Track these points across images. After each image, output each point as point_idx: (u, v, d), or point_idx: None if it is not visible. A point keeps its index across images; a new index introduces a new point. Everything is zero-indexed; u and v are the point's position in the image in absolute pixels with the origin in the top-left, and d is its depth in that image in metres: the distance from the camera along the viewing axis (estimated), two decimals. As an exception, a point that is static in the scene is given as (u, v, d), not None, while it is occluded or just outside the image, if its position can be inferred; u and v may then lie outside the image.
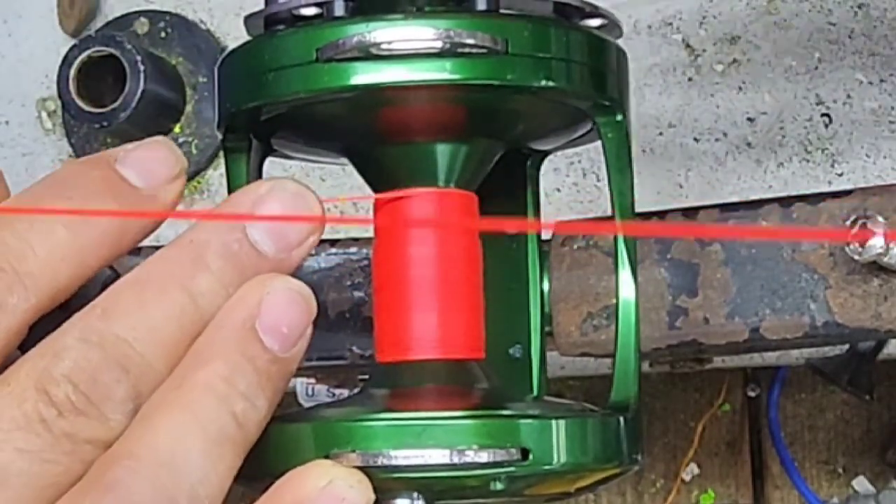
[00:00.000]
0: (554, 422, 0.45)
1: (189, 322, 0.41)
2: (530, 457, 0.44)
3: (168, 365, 0.41)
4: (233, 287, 0.42)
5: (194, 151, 0.86)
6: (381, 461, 0.43)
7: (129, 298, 0.41)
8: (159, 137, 0.45)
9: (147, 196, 0.43)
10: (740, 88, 0.79)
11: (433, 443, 0.43)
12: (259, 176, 0.51)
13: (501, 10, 0.47)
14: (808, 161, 0.78)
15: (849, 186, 0.57)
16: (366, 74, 0.45)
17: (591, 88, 0.47)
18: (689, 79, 0.80)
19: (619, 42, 0.49)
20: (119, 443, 0.40)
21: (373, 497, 0.42)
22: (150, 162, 0.44)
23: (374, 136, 0.49)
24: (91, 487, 0.39)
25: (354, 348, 0.59)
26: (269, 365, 0.42)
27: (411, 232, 0.48)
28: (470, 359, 0.48)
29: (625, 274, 0.49)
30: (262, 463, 0.45)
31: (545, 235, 0.57)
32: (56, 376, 0.40)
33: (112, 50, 0.80)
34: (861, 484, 1.04)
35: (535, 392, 0.54)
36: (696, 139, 0.80)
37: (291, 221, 0.43)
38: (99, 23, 0.87)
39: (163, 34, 0.87)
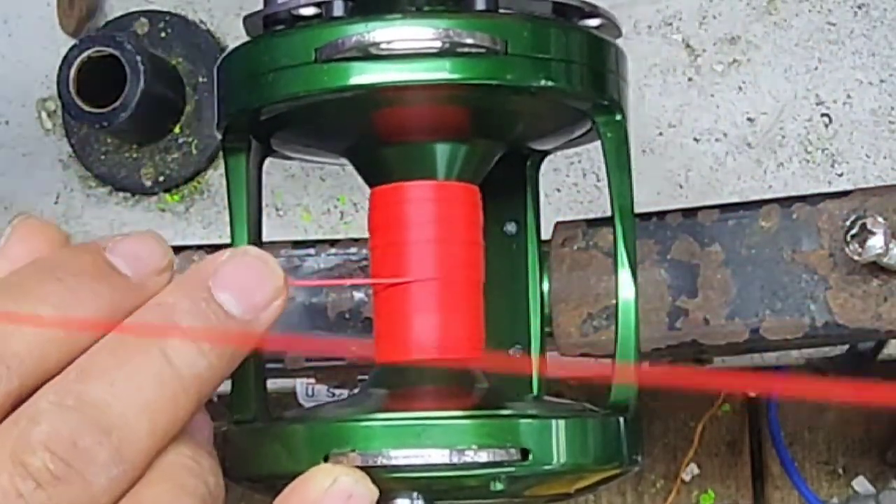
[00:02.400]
0: (554, 422, 0.45)
1: (167, 380, 0.40)
2: (530, 457, 0.44)
3: (150, 426, 0.40)
4: (206, 345, 0.41)
5: (194, 151, 0.86)
6: (380, 461, 0.43)
7: (104, 360, 0.40)
8: (148, 231, 0.45)
9: (136, 285, 0.43)
10: (740, 88, 0.79)
11: (433, 443, 0.43)
12: (259, 176, 0.51)
13: (501, 10, 0.47)
14: (808, 161, 0.78)
15: (849, 187, 0.57)
16: (365, 74, 0.45)
17: (590, 88, 0.47)
18: (689, 79, 0.80)
19: (619, 42, 0.49)
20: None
21: (377, 493, 0.42)
22: (139, 252, 0.44)
23: (373, 136, 0.49)
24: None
25: (354, 349, 0.59)
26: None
27: (411, 229, 0.48)
28: (469, 359, 0.48)
29: (625, 274, 0.49)
30: (263, 463, 0.45)
31: (545, 235, 0.57)
32: (32, 444, 0.38)
33: (112, 50, 0.80)
34: (861, 484, 1.04)
35: (535, 392, 0.54)
36: (696, 139, 0.79)
37: (256, 285, 0.43)
38: (99, 23, 0.87)
39: (163, 34, 0.86)
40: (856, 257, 0.52)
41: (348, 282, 0.57)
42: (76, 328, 0.41)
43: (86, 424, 0.39)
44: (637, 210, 0.50)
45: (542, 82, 0.46)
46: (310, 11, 0.46)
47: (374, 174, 0.50)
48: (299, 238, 0.63)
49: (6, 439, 0.38)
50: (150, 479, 0.40)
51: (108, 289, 0.42)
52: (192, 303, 0.42)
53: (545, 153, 0.55)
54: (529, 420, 0.45)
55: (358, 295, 0.59)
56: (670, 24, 0.81)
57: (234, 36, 0.86)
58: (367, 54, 0.44)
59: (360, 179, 0.51)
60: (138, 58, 0.80)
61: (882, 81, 0.77)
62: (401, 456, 0.43)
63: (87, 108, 0.81)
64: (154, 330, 0.41)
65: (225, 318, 0.42)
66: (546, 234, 0.57)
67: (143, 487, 0.40)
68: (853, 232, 0.52)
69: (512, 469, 0.44)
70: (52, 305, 0.41)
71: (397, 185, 0.48)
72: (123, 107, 0.80)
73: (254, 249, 0.44)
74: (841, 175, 0.78)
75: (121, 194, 0.86)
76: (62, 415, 0.39)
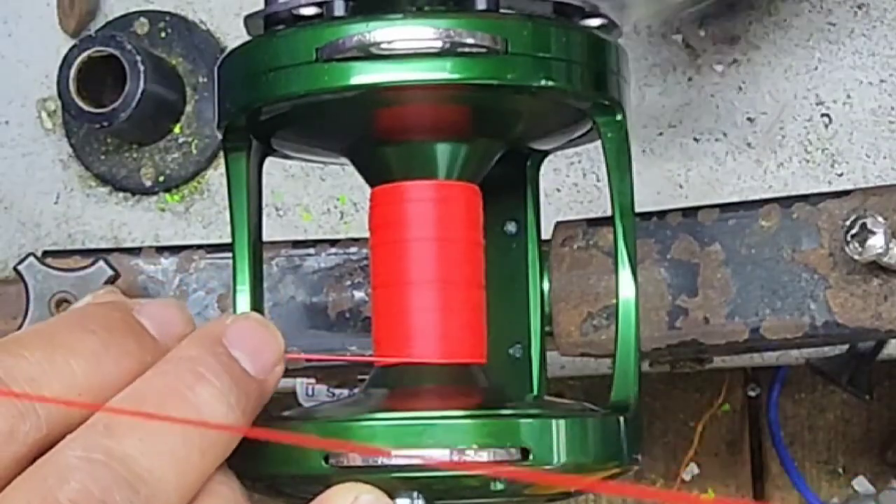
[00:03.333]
0: (554, 421, 0.45)
1: (194, 433, 0.40)
2: (530, 456, 0.44)
3: (178, 480, 0.39)
4: (232, 397, 0.41)
5: (194, 151, 0.86)
6: (381, 461, 0.43)
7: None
8: (171, 299, 0.45)
9: (162, 347, 0.43)
10: (740, 88, 0.79)
11: (433, 442, 0.43)
12: (259, 176, 0.51)
13: (501, 10, 0.47)
14: (808, 161, 0.78)
15: (849, 186, 0.57)
16: (366, 74, 0.45)
17: (590, 88, 0.47)
18: (689, 79, 0.80)
19: (619, 42, 0.49)
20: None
21: None
22: (165, 316, 0.44)
23: (373, 136, 0.49)
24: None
25: (354, 348, 0.59)
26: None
27: (410, 227, 0.48)
28: (471, 362, 0.48)
29: (625, 274, 0.49)
30: (264, 463, 0.45)
31: (545, 235, 0.57)
32: (62, 501, 0.37)
33: (112, 50, 0.80)
34: (861, 484, 1.04)
35: (535, 392, 0.54)
36: (696, 139, 0.80)
37: (264, 346, 0.44)
38: (99, 23, 0.87)
39: (163, 34, 0.86)
40: (856, 257, 0.52)
41: (339, 360, 0.58)
42: (111, 383, 0.41)
43: (115, 481, 0.38)
44: (637, 210, 0.50)
45: (543, 82, 0.46)
46: (311, 11, 0.46)
47: (374, 174, 0.50)
48: (299, 238, 0.63)
49: (34, 496, 0.38)
50: None
51: (136, 346, 0.42)
52: (215, 357, 0.42)
53: (545, 153, 0.55)
54: (530, 419, 0.45)
55: (358, 294, 0.59)
56: (670, 24, 0.81)
57: (234, 36, 0.86)
58: (368, 54, 0.44)
59: (360, 179, 0.51)
60: (138, 58, 0.80)
61: (882, 81, 0.77)
62: (401, 455, 0.43)
63: (87, 108, 0.81)
64: (181, 382, 0.41)
65: (244, 375, 0.43)
66: (546, 233, 0.57)
67: None
68: (853, 231, 0.52)
69: (512, 469, 0.44)
70: (83, 357, 0.41)
71: (397, 184, 0.48)
72: (123, 107, 0.80)
73: (254, 314, 0.45)
74: (841, 175, 0.78)
75: (121, 194, 0.86)
76: (91, 470, 0.38)
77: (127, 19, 0.87)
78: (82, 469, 0.38)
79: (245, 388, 0.42)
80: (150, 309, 0.44)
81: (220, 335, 0.43)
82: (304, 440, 0.43)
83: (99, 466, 0.38)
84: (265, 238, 0.51)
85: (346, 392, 0.83)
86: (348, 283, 0.59)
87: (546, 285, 0.56)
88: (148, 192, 0.86)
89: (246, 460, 0.44)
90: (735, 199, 0.65)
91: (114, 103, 0.81)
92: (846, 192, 0.55)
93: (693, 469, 1.05)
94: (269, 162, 0.52)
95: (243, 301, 0.49)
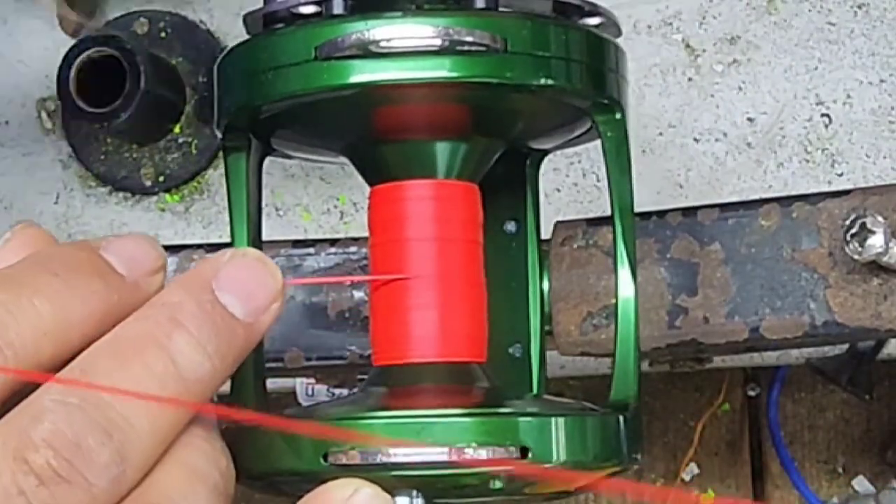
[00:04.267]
0: (553, 420, 0.45)
1: (170, 381, 0.40)
2: (529, 455, 0.44)
3: (150, 426, 0.39)
4: (210, 346, 0.41)
5: (194, 151, 0.86)
6: (380, 459, 0.43)
7: (106, 358, 0.40)
8: (141, 233, 0.45)
9: (130, 285, 0.43)
10: (740, 88, 0.79)
11: (432, 441, 0.43)
12: (259, 175, 0.51)
13: (501, 9, 0.46)
14: (808, 161, 0.78)
15: (849, 186, 0.57)
16: (365, 72, 0.45)
17: (590, 87, 0.47)
18: (689, 79, 0.80)
19: (619, 42, 0.49)
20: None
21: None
22: (133, 252, 0.43)
23: (372, 135, 0.49)
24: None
25: (354, 348, 0.59)
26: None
27: (410, 226, 0.48)
28: (471, 361, 0.48)
29: (624, 273, 0.49)
30: (263, 462, 0.45)
31: (545, 235, 0.57)
32: (35, 441, 0.38)
33: (112, 50, 0.80)
34: (861, 484, 1.04)
35: (535, 391, 0.54)
36: (696, 139, 0.80)
37: (257, 287, 0.43)
38: (99, 23, 0.87)
39: (163, 34, 0.87)
40: (856, 256, 0.52)
41: (346, 279, 0.57)
42: (77, 324, 0.41)
43: (89, 424, 0.38)
44: (637, 209, 0.50)
45: (542, 80, 0.45)
46: (310, 9, 0.46)
47: (373, 172, 0.50)
48: (299, 238, 0.63)
49: (8, 436, 0.38)
50: (163, 464, 0.40)
51: (103, 286, 0.42)
52: (198, 304, 0.42)
53: (545, 152, 0.55)
54: (529, 418, 0.45)
55: (358, 294, 0.59)
56: (670, 24, 0.81)
57: (234, 36, 0.86)
58: (367, 52, 0.44)
59: (360, 179, 0.51)
60: (138, 58, 0.80)
61: (882, 81, 0.77)
62: (400, 454, 0.43)
63: (87, 108, 0.81)
64: (160, 330, 0.41)
65: (229, 320, 0.42)
66: (546, 233, 0.57)
67: (157, 473, 0.40)
68: (853, 231, 0.52)
69: (511, 467, 0.44)
70: (47, 299, 0.40)
71: (397, 183, 0.48)
72: (123, 107, 0.80)
73: (253, 251, 0.44)
74: (841, 175, 0.78)
75: (121, 194, 0.86)
76: (66, 413, 0.38)
77: (127, 19, 0.87)
78: (57, 412, 0.38)
79: (228, 336, 0.42)
80: (117, 246, 0.43)
81: (210, 278, 0.42)
82: (265, 419, 0.43)
83: (74, 410, 0.38)
84: (265, 238, 0.51)
85: (345, 392, 0.83)
86: (348, 282, 0.59)
87: (546, 285, 0.56)
88: (148, 192, 0.86)
89: (245, 459, 0.44)
90: (735, 198, 0.65)
91: (114, 103, 0.81)
92: (846, 192, 0.55)
93: (693, 469, 1.05)
94: (269, 162, 0.52)
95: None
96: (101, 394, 0.39)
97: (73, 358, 0.40)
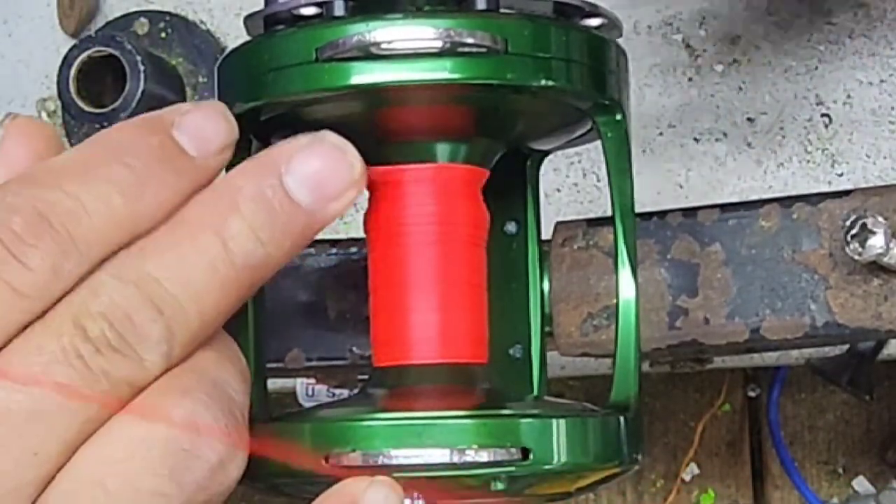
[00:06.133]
0: (554, 421, 0.45)
1: (220, 265, 0.41)
2: (531, 456, 0.44)
3: (198, 307, 0.41)
4: (263, 233, 0.42)
5: (194, 151, 0.85)
6: (381, 461, 0.43)
7: (164, 239, 0.41)
8: (214, 103, 0.45)
9: (200, 166, 0.43)
10: (740, 88, 0.79)
11: (433, 442, 0.43)
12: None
13: (501, 10, 0.46)
14: (808, 161, 0.78)
15: (849, 186, 0.57)
16: (365, 74, 0.45)
17: (590, 88, 0.47)
18: (689, 79, 0.80)
19: (619, 42, 0.49)
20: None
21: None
22: (205, 130, 0.44)
23: (373, 136, 0.49)
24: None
25: (354, 349, 0.59)
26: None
27: (409, 223, 0.48)
28: (472, 363, 0.48)
29: (625, 274, 0.49)
30: (263, 462, 0.45)
31: (545, 235, 0.57)
32: (92, 313, 0.39)
33: (112, 50, 0.80)
34: (861, 484, 1.05)
35: (536, 392, 0.54)
36: (696, 139, 0.80)
37: (330, 174, 0.43)
38: (99, 23, 0.87)
39: (163, 34, 0.86)
40: (856, 257, 0.52)
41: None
42: (148, 214, 0.41)
43: (142, 300, 0.40)
44: (637, 210, 0.50)
45: (543, 82, 0.46)
46: (310, 11, 0.46)
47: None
48: (299, 238, 0.63)
49: (68, 306, 0.40)
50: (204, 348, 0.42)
51: (175, 175, 0.42)
52: (258, 189, 0.42)
53: (545, 153, 0.55)
54: (530, 420, 0.45)
55: (358, 295, 0.59)
56: (670, 24, 0.81)
57: (234, 36, 0.86)
58: (368, 54, 0.44)
59: (360, 179, 0.51)
60: (138, 58, 0.80)
61: (882, 81, 0.77)
62: (401, 456, 0.43)
63: (87, 108, 0.81)
64: (216, 214, 0.41)
65: (290, 207, 0.42)
66: (546, 233, 0.57)
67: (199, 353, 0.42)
68: (853, 232, 0.52)
69: (512, 469, 0.44)
70: (120, 192, 0.41)
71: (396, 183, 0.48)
72: (123, 107, 0.80)
73: (333, 136, 0.44)
74: (841, 175, 0.78)
75: (121, 194, 0.86)
76: (120, 289, 0.40)
77: (127, 19, 0.87)
78: (113, 286, 0.40)
79: (284, 222, 0.42)
80: (189, 123, 0.43)
81: (282, 162, 0.43)
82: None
83: (127, 285, 0.40)
84: (265, 238, 0.51)
85: (346, 392, 0.83)
86: (348, 283, 0.59)
87: (546, 285, 0.56)
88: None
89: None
90: (735, 199, 0.65)
91: (114, 103, 0.81)
92: (846, 193, 0.55)
93: (693, 469, 1.05)
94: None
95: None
96: (154, 272, 0.40)
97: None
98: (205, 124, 0.44)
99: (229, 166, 0.45)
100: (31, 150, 0.44)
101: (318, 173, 0.43)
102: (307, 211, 0.43)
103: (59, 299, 0.40)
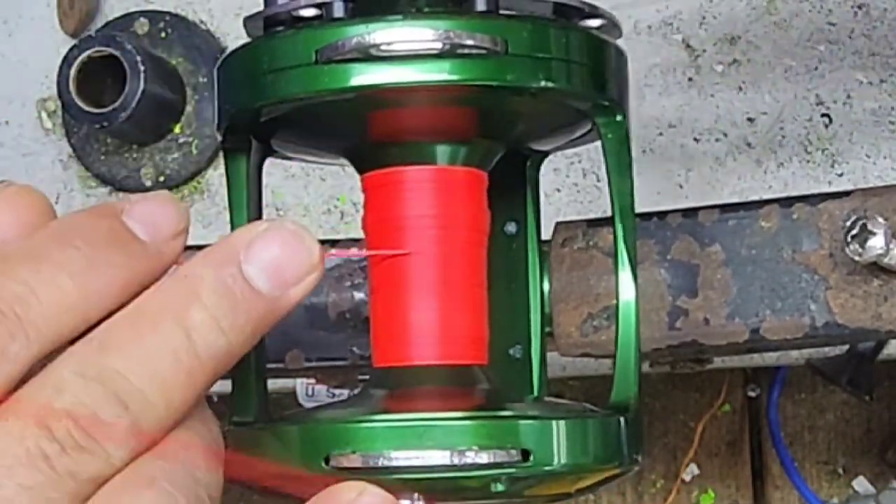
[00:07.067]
0: (554, 422, 0.45)
1: (184, 356, 0.40)
2: (531, 458, 0.44)
3: (164, 399, 0.40)
4: (225, 322, 0.41)
5: (194, 151, 0.86)
6: (381, 462, 0.43)
7: (124, 332, 0.41)
8: (165, 192, 0.45)
9: (152, 252, 0.43)
10: (740, 88, 0.79)
11: (433, 444, 0.43)
12: (259, 176, 0.51)
13: (501, 11, 0.46)
14: (808, 161, 0.78)
15: (849, 187, 0.57)
16: (365, 75, 0.45)
17: (590, 89, 0.47)
18: (689, 79, 0.80)
19: (619, 42, 0.49)
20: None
21: None
22: (156, 216, 0.43)
23: (373, 137, 0.49)
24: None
25: (355, 349, 0.59)
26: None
27: (409, 225, 0.48)
28: (472, 364, 0.48)
29: (625, 274, 0.49)
30: (264, 464, 0.45)
31: (545, 235, 0.57)
32: (57, 412, 0.39)
33: (112, 50, 0.80)
34: (861, 484, 1.05)
35: (536, 392, 0.54)
36: (696, 139, 0.80)
37: (289, 260, 0.42)
38: (99, 23, 0.88)
39: (163, 34, 0.87)
40: (856, 257, 0.52)
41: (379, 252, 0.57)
42: (99, 298, 0.41)
43: (106, 397, 0.39)
44: (637, 210, 0.50)
45: (543, 83, 0.45)
46: (310, 12, 0.46)
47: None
48: (299, 238, 0.63)
49: (30, 405, 0.39)
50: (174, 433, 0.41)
51: (125, 257, 0.42)
52: (218, 277, 0.42)
53: (545, 153, 0.55)
54: (530, 421, 0.45)
55: (358, 295, 0.59)
56: (670, 24, 0.81)
57: (234, 36, 0.86)
58: (368, 55, 0.44)
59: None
60: (138, 58, 0.80)
61: (882, 81, 0.78)
62: (402, 457, 0.43)
63: (87, 108, 0.81)
64: (177, 304, 0.41)
65: (251, 295, 0.42)
66: (546, 234, 0.57)
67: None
68: (853, 232, 0.52)
69: (513, 470, 0.44)
70: (69, 275, 0.40)
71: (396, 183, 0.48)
72: (123, 107, 0.80)
73: (290, 222, 0.43)
74: (841, 175, 0.78)
75: (121, 194, 0.86)
76: (84, 386, 0.39)
77: (127, 19, 0.87)
78: (77, 383, 0.39)
79: (247, 311, 0.42)
80: (140, 210, 0.43)
81: (240, 249, 0.42)
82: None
83: (91, 383, 0.39)
84: (265, 238, 0.51)
85: (346, 392, 0.83)
86: (348, 283, 0.59)
87: (546, 286, 0.56)
88: (148, 192, 0.86)
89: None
90: (735, 199, 0.65)
91: (114, 103, 0.81)
92: (846, 193, 0.55)
93: (693, 469, 1.05)
94: (269, 162, 0.52)
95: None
96: (117, 367, 0.40)
97: (93, 328, 0.41)
98: (155, 210, 0.43)
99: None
100: (20, 221, 0.43)
101: (276, 259, 0.42)
102: (268, 298, 0.42)
103: (16, 388, 0.39)
